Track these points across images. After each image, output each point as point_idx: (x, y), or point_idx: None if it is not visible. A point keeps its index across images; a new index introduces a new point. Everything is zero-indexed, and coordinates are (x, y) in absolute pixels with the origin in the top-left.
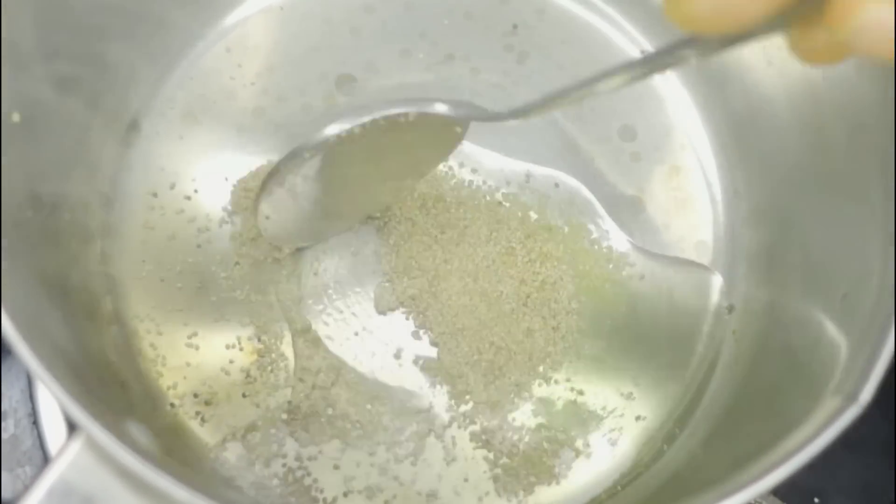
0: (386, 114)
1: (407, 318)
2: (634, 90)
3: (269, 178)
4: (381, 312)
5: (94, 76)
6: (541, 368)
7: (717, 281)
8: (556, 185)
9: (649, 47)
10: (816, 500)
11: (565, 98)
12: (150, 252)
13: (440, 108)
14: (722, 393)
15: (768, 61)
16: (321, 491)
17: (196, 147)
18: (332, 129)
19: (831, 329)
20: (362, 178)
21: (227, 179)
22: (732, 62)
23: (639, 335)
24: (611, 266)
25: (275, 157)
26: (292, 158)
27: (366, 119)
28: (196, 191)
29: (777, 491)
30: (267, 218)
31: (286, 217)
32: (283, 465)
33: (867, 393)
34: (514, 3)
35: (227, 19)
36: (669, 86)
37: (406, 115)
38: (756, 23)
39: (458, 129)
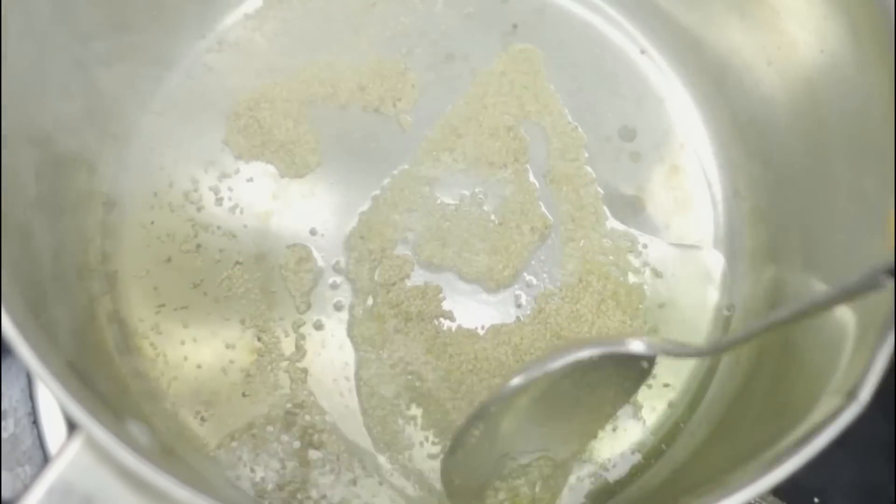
0: (577, 358)
1: None
2: (634, 90)
3: (457, 437)
4: None
5: (95, 76)
6: None
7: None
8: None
9: (649, 47)
10: (816, 500)
11: (766, 329)
12: (150, 252)
13: (636, 346)
14: (722, 393)
15: (768, 61)
16: (320, 490)
17: (196, 146)
18: (515, 382)
19: (831, 329)
20: (542, 425)
21: (227, 179)
22: (732, 62)
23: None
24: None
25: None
26: (478, 416)
27: (554, 366)
28: (196, 190)
29: (777, 491)
30: (452, 482)
31: (466, 476)
32: (283, 464)
33: (867, 392)
34: (514, 4)
35: (227, 19)
36: (669, 85)
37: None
38: None
39: (646, 365)
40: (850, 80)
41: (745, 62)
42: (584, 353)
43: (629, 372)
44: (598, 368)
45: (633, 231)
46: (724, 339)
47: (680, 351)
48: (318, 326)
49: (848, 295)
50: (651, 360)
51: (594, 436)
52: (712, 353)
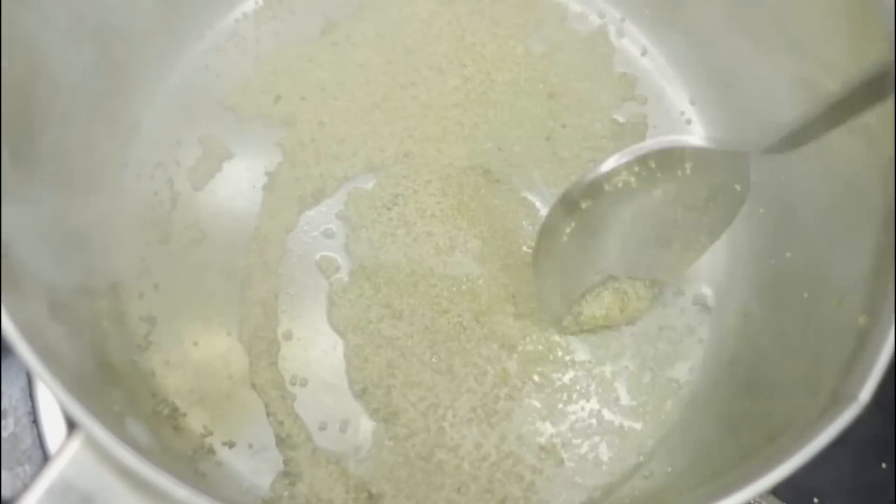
0: (658, 149)
1: None
2: (634, 91)
3: (544, 230)
4: None
5: (96, 76)
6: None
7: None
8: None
9: (651, 48)
10: (816, 500)
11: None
12: (150, 251)
13: (697, 141)
14: (722, 393)
15: (767, 60)
16: (319, 489)
17: (195, 146)
18: (606, 166)
19: (831, 329)
20: (640, 244)
21: (226, 178)
22: (729, 62)
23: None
24: None
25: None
26: (564, 204)
27: (638, 154)
28: (196, 190)
29: (777, 491)
30: (542, 278)
31: (557, 279)
32: (282, 463)
33: (867, 393)
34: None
35: (227, 19)
36: (670, 85)
37: (683, 166)
38: None
39: (739, 188)
40: (848, 80)
41: (745, 61)
42: (658, 146)
43: (724, 195)
44: (694, 186)
45: None
46: (786, 132)
47: (745, 147)
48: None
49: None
50: (744, 184)
51: (691, 263)
52: (775, 150)
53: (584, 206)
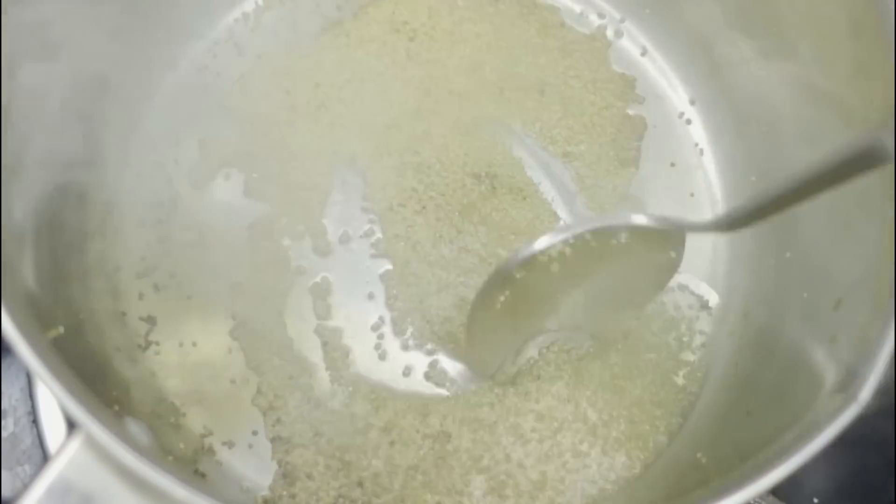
0: (595, 228)
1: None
2: (634, 92)
3: (477, 299)
4: None
5: (96, 75)
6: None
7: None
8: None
9: (650, 48)
10: (816, 500)
11: (784, 204)
12: (150, 251)
13: (641, 220)
14: (722, 393)
15: (766, 60)
16: (319, 488)
17: (195, 146)
18: (541, 244)
19: (831, 329)
20: (570, 302)
21: (228, 178)
22: (729, 62)
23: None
24: None
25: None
26: (499, 277)
27: (572, 233)
28: (196, 190)
29: (777, 491)
30: (473, 346)
31: (490, 342)
32: (283, 463)
33: (867, 392)
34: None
35: (226, 19)
36: (670, 85)
37: (618, 235)
38: None
39: (673, 255)
40: (849, 80)
41: (744, 62)
42: (602, 224)
43: (658, 261)
44: (628, 255)
45: None
46: (732, 214)
47: (688, 226)
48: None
49: (851, 161)
50: (678, 251)
51: (625, 322)
52: (719, 228)
53: (518, 276)
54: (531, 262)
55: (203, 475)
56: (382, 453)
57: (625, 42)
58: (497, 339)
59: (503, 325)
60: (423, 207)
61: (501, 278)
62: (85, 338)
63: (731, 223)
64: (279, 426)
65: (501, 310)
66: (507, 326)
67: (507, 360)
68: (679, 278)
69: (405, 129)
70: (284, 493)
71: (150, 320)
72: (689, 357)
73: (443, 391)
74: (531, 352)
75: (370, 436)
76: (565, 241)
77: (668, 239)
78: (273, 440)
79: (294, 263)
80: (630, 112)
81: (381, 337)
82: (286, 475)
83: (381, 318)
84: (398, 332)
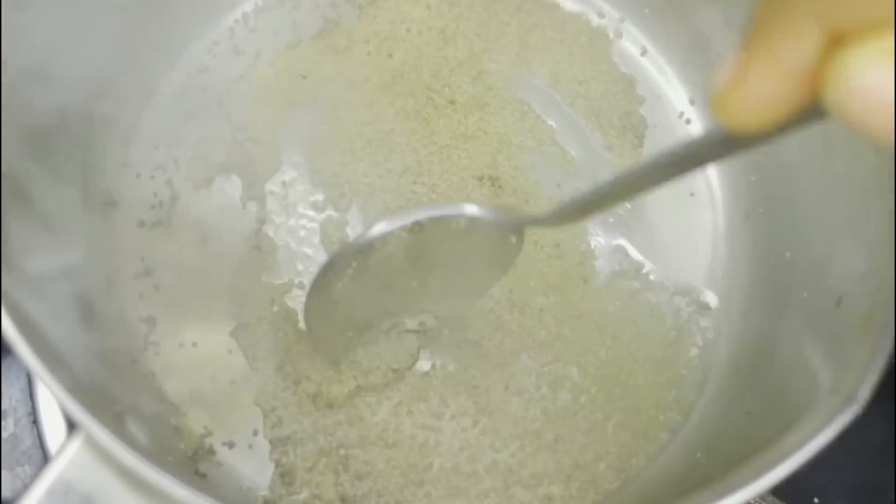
0: (428, 215)
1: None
2: (634, 91)
3: (314, 285)
4: None
5: (96, 75)
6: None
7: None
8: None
9: (650, 48)
10: (816, 500)
11: (611, 200)
12: (150, 251)
13: (472, 210)
14: (722, 393)
15: None
16: (318, 487)
17: (195, 146)
18: (377, 231)
19: (831, 329)
20: (411, 288)
21: (228, 178)
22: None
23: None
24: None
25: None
26: (337, 264)
27: (408, 220)
28: (196, 190)
29: (777, 491)
30: (311, 329)
31: (329, 325)
32: (281, 463)
33: (867, 392)
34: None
35: (226, 19)
36: (670, 85)
37: (456, 221)
38: (796, 116)
39: (514, 240)
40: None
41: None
42: (439, 213)
43: (501, 246)
44: (469, 240)
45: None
46: (563, 208)
47: (520, 219)
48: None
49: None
50: (519, 236)
51: (468, 305)
52: (554, 222)
53: (354, 263)
54: (369, 248)
55: (203, 475)
56: (383, 452)
57: (624, 42)
58: (336, 325)
59: (342, 312)
60: None
61: (338, 266)
62: (85, 338)
63: (558, 217)
64: (278, 428)
65: (339, 297)
66: (347, 313)
67: (350, 347)
68: (679, 278)
69: (406, 130)
70: (284, 492)
71: (150, 321)
72: (689, 357)
73: (444, 388)
74: (379, 339)
75: (371, 434)
76: (402, 227)
77: (509, 227)
78: (272, 441)
79: (295, 265)
80: (630, 112)
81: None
82: (284, 475)
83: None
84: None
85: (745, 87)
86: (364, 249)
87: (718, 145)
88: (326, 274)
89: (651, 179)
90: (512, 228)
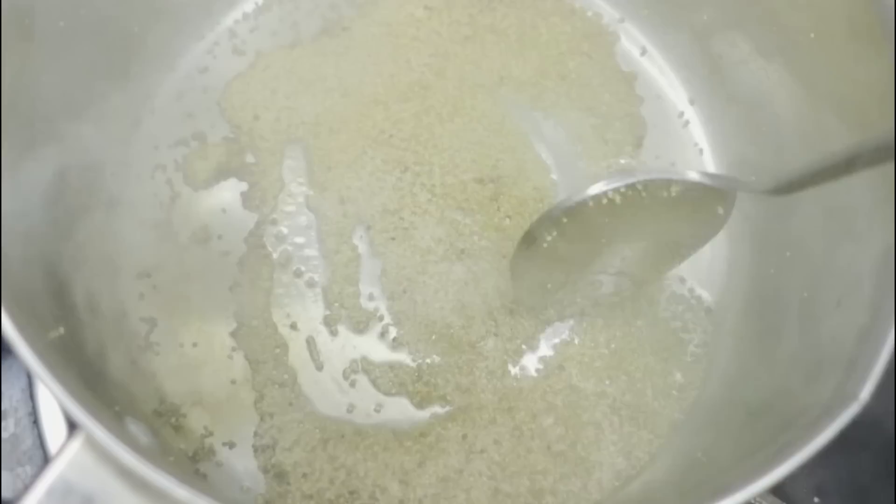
0: (649, 179)
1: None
2: (634, 91)
3: (525, 238)
4: None
5: (97, 76)
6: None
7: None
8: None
9: (650, 48)
10: (816, 499)
11: (832, 174)
12: (150, 251)
13: (694, 176)
14: (722, 393)
15: (765, 61)
16: (312, 488)
17: (195, 146)
18: (593, 190)
19: (831, 329)
20: (618, 251)
21: (227, 179)
22: (728, 62)
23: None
24: None
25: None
26: (547, 219)
27: (625, 182)
28: (196, 190)
29: (777, 490)
30: (519, 278)
31: (535, 279)
32: (276, 464)
33: (867, 392)
34: None
35: (226, 19)
36: (669, 85)
37: (669, 188)
38: None
39: (721, 211)
40: (850, 80)
41: (743, 61)
42: (660, 176)
43: (707, 217)
44: (676, 208)
45: None
46: (786, 178)
47: (739, 185)
48: (328, 323)
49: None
50: (727, 208)
51: (663, 272)
52: (777, 192)
53: (565, 220)
54: (580, 207)
55: (203, 475)
56: (379, 456)
57: (624, 42)
58: (539, 279)
59: (546, 266)
60: (425, 211)
61: (549, 221)
62: (85, 338)
63: (781, 188)
64: (275, 430)
65: (546, 250)
66: (550, 268)
67: (548, 302)
68: (679, 278)
69: (406, 131)
70: (278, 493)
71: (151, 321)
72: (689, 356)
73: (438, 391)
74: (576, 300)
75: (367, 438)
76: (616, 190)
77: (717, 196)
78: (269, 441)
79: (294, 266)
80: (630, 112)
81: (379, 338)
82: (279, 476)
83: (381, 320)
84: (396, 334)
85: None
86: (577, 207)
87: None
88: (538, 226)
89: (877, 158)
90: (723, 197)
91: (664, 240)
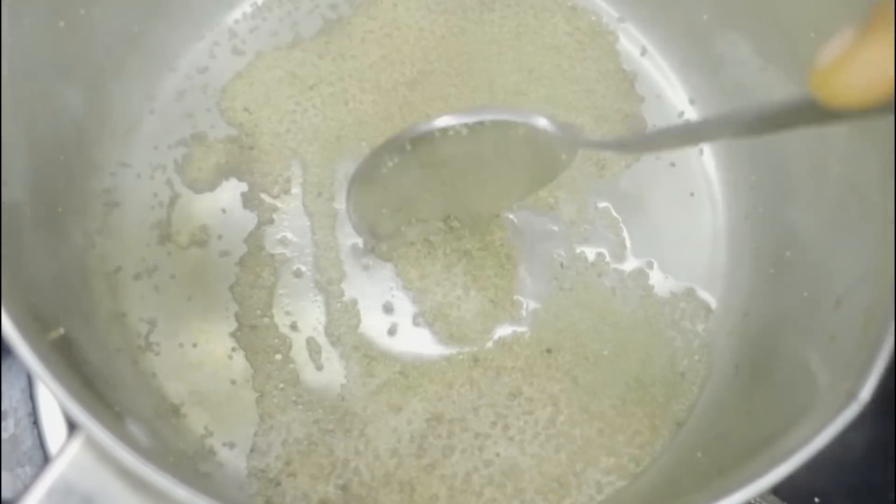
0: (496, 118)
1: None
2: (634, 91)
3: (364, 162)
4: None
5: (96, 76)
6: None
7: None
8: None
9: (650, 48)
10: (816, 499)
11: (676, 137)
12: (150, 251)
13: (542, 122)
14: (722, 393)
15: (765, 61)
16: (319, 487)
17: (195, 146)
18: (441, 122)
19: (831, 328)
20: (458, 182)
21: (227, 179)
22: (728, 62)
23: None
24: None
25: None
26: (392, 145)
27: (474, 119)
28: (196, 190)
29: (777, 490)
30: (355, 204)
31: (371, 204)
32: (284, 462)
33: (867, 392)
34: None
35: (226, 19)
36: (669, 85)
37: (516, 128)
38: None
39: (564, 157)
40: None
41: (742, 60)
42: (505, 117)
43: (550, 160)
44: (522, 148)
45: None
46: (624, 139)
47: (585, 142)
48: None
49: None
50: (570, 155)
51: (500, 210)
52: (617, 148)
53: (409, 147)
54: (426, 137)
55: (204, 476)
56: (372, 457)
57: (624, 42)
58: (375, 201)
59: (383, 191)
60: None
61: (393, 148)
62: (85, 339)
63: (619, 146)
64: (275, 430)
65: (386, 175)
66: (387, 192)
67: (385, 230)
68: (679, 278)
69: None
70: (278, 493)
71: (151, 321)
72: (689, 357)
73: (439, 392)
74: (413, 234)
75: (363, 437)
76: (465, 125)
77: (563, 144)
78: (270, 441)
79: (295, 266)
80: (630, 111)
81: (383, 337)
82: (279, 475)
83: (382, 320)
84: (399, 334)
85: (854, 64)
86: (423, 137)
87: (796, 115)
88: (381, 151)
89: (715, 132)
90: (569, 146)
91: (504, 178)
